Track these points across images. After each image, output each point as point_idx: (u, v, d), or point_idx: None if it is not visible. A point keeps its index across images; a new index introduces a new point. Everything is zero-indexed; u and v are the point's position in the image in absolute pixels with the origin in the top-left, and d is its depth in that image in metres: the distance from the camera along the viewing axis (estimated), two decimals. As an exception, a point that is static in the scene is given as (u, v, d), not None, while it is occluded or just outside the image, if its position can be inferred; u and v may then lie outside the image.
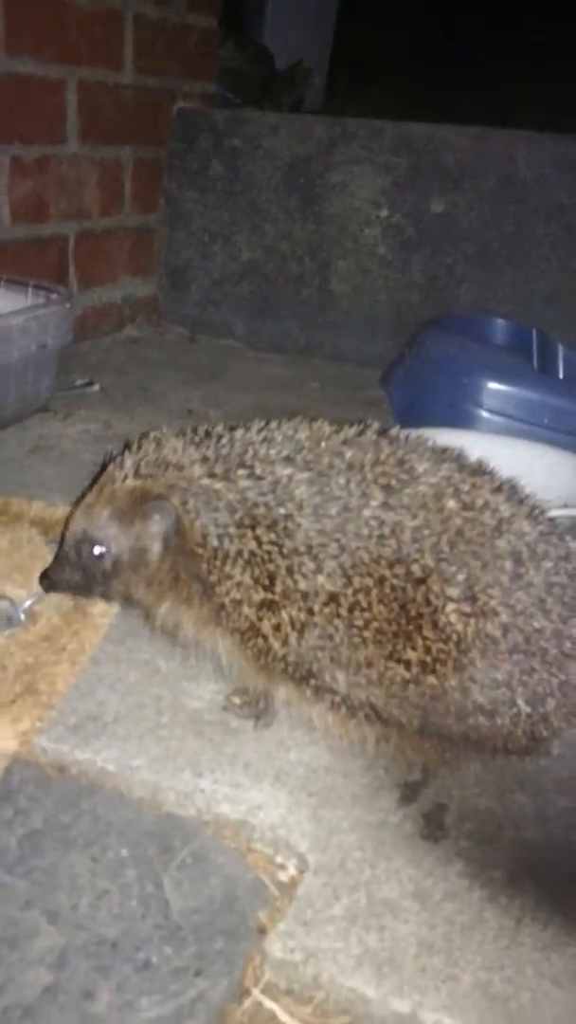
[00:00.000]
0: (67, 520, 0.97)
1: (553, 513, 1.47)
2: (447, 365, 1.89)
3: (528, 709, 0.88)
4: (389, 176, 2.26)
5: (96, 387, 1.98)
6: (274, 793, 0.87)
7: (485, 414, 1.84)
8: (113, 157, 2.34)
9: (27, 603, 1.08)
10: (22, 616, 1.06)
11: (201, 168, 2.45)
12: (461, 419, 1.82)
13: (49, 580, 0.97)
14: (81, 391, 1.95)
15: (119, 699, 0.99)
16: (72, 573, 0.95)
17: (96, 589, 0.95)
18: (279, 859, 0.82)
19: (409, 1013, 0.68)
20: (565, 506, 1.50)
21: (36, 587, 1.08)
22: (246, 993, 0.71)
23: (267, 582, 0.85)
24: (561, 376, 2.10)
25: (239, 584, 0.86)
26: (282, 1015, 0.70)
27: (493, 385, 1.84)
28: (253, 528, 0.86)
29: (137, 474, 0.92)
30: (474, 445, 1.66)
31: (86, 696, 0.98)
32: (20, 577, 1.10)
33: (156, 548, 0.90)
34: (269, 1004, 0.70)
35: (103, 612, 1.09)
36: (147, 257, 2.54)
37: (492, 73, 5.07)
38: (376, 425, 0.99)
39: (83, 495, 0.97)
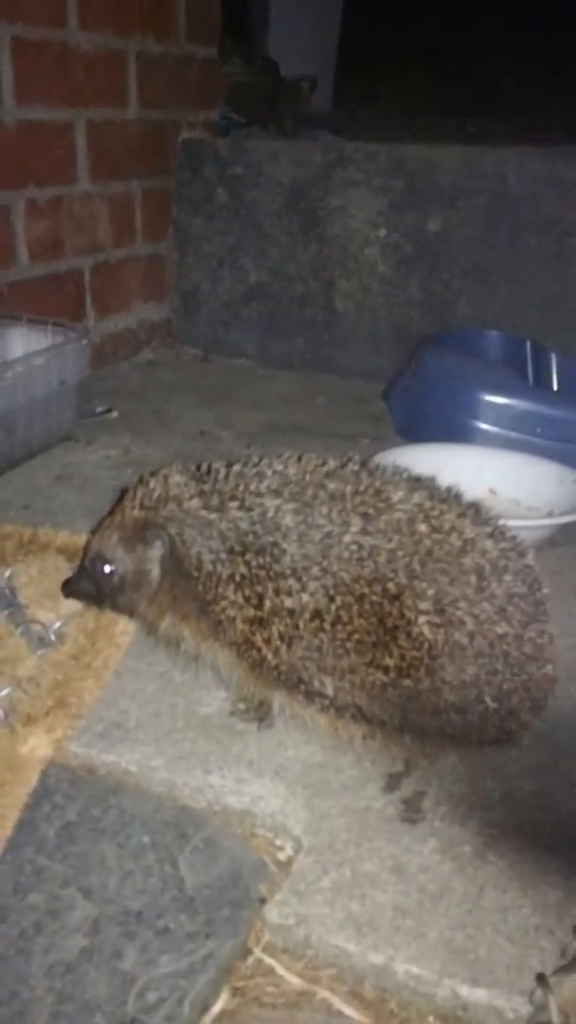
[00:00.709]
0: (88, 539, 1.12)
1: (538, 522, 1.60)
2: (443, 380, 2.01)
3: (495, 705, 1.00)
4: (386, 197, 2.38)
5: (115, 413, 2.12)
6: (274, 786, 1.00)
7: (481, 426, 1.95)
8: (123, 191, 2.48)
9: (56, 625, 1.22)
10: (52, 637, 1.21)
11: (207, 196, 2.58)
12: (458, 431, 1.94)
13: (69, 588, 1.12)
14: (101, 418, 2.10)
15: (139, 708, 1.12)
16: (88, 585, 1.09)
17: (106, 601, 1.09)
18: (278, 842, 0.95)
19: (383, 964, 0.81)
20: (551, 513, 1.62)
21: (64, 611, 1.23)
22: (249, 952, 0.85)
23: (256, 601, 0.98)
24: (556, 385, 2.21)
25: (232, 603, 0.99)
26: (280, 969, 0.83)
27: (488, 398, 1.95)
28: (243, 554, 0.99)
29: (142, 507, 1.06)
30: (467, 457, 1.80)
31: (110, 706, 1.12)
32: (49, 603, 1.24)
33: (155, 571, 1.04)
34: (268, 960, 0.84)
35: (123, 632, 1.22)
36: (159, 283, 2.68)
37: (496, 68, 5.15)
38: (357, 458, 1.11)
39: (102, 520, 1.12)
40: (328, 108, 4.59)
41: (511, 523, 1.49)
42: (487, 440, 1.92)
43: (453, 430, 1.93)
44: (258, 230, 2.54)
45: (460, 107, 4.46)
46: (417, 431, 2.00)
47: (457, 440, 1.89)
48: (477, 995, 0.79)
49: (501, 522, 1.08)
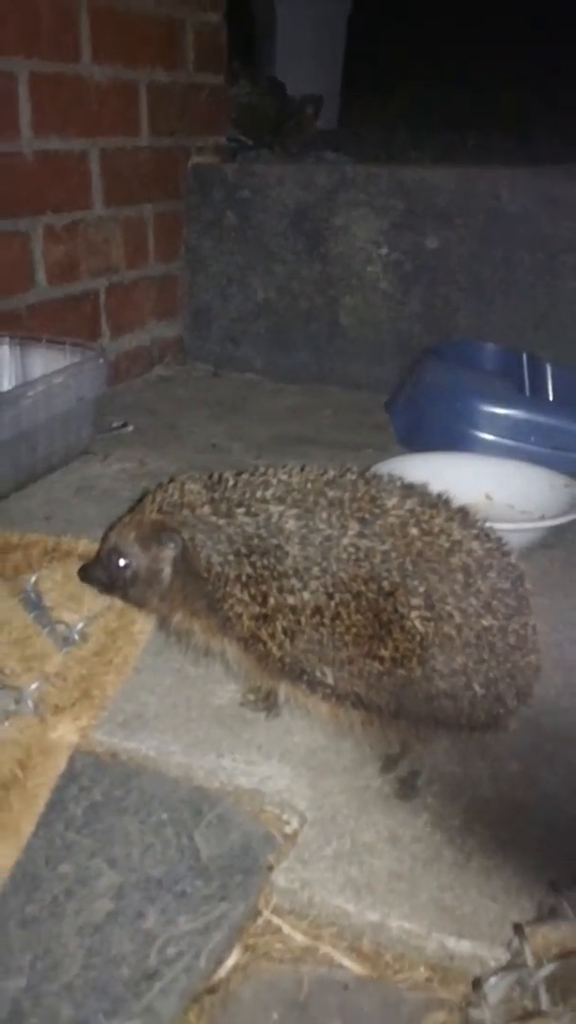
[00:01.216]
0: (106, 532, 1.22)
1: (530, 525, 1.69)
2: (441, 392, 2.11)
3: (483, 691, 1.09)
4: (387, 217, 2.48)
5: (130, 428, 2.23)
6: (280, 767, 1.10)
7: (478, 435, 2.04)
8: (136, 215, 2.59)
9: (79, 626, 1.32)
10: (76, 636, 1.30)
11: (216, 218, 2.69)
12: (457, 440, 2.02)
13: (85, 573, 1.22)
14: (117, 432, 2.20)
15: (157, 700, 1.22)
16: (102, 574, 1.19)
17: (118, 591, 1.19)
18: (284, 817, 1.04)
19: (379, 921, 0.90)
20: (543, 517, 1.71)
21: (86, 613, 1.33)
22: (259, 913, 0.94)
23: (261, 599, 1.08)
24: (551, 394, 2.30)
25: (239, 600, 1.09)
26: (286, 928, 0.93)
27: (485, 408, 2.04)
28: (249, 556, 1.09)
29: (160, 511, 1.16)
30: (464, 465, 1.89)
31: (131, 699, 1.22)
32: (73, 605, 1.34)
33: (167, 570, 1.14)
34: (276, 920, 0.93)
35: (142, 631, 1.32)
36: (171, 302, 2.79)
37: (498, 82, 5.25)
38: (355, 468, 1.21)
39: (122, 517, 1.22)
40: (334, 126, 4.71)
41: (505, 527, 1.60)
42: (485, 448, 2.00)
43: (452, 439, 2.02)
44: (265, 250, 2.65)
45: (463, 121, 4.57)
46: (418, 440, 2.10)
47: (456, 448, 1.98)
48: (463, 946, 0.88)
49: (487, 525, 1.17)
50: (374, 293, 2.55)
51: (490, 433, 2.03)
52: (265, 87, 3.89)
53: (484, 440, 2.03)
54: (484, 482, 1.82)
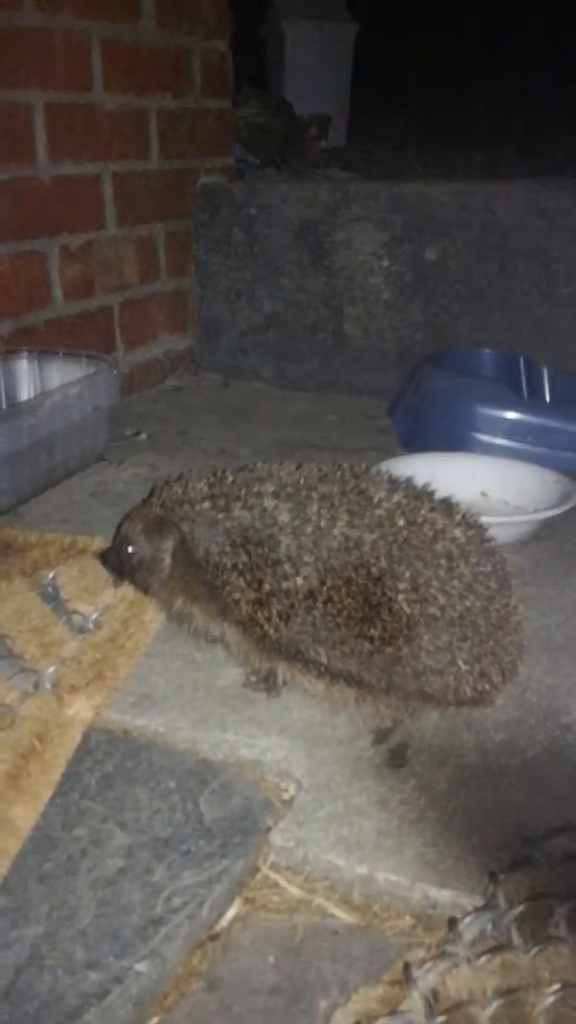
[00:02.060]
0: (121, 522, 1.31)
1: (522, 518, 1.77)
2: (442, 396, 2.19)
3: (467, 668, 1.17)
4: (387, 231, 2.57)
5: (143, 436, 2.33)
6: (279, 740, 1.18)
7: (477, 436, 2.12)
8: (147, 234, 2.70)
9: (94, 615, 1.41)
10: (91, 625, 1.40)
11: (224, 235, 2.80)
12: (456, 442, 2.11)
13: (103, 557, 1.33)
14: (131, 440, 2.30)
15: (166, 682, 1.31)
16: (115, 559, 1.30)
17: (126, 576, 1.30)
18: (282, 784, 1.12)
19: (368, 874, 0.98)
20: (535, 512, 1.78)
21: (100, 604, 1.43)
22: (257, 869, 1.02)
23: (257, 585, 1.16)
24: (548, 397, 2.38)
25: (237, 587, 1.17)
26: (283, 882, 1.01)
27: (482, 410, 2.13)
28: (244, 546, 1.17)
29: (163, 506, 1.26)
30: (461, 464, 1.98)
31: (141, 681, 1.31)
32: (88, 597, 1.43)
33: (167, 560, 1.23)
34: (273, 876, 1.02)
35: (152, 619, 1.41)
36: (182, 316, 2.90)
37: (503, 99, 5.35)
38: (347, 465, 1.29)
39: (136, 507, 1.31)
40: (343, 143, 4.82)
41: (500, 520, 1.69)
42: (483, 449, 2.08)
43: (452, 441, 2.10)
44: (271, 265, 2.75)
45: (469, 137, 4.67)
46: (419, 443, 2.18)
47: (456, 450, 2.06)
48: (444, 895, 0.95)
49: (469, 514, 1.25)
50: (376, 304, 2.64)
51: (488, 434, 2.11)
52: (274, 108, 3.99)
53: (482, 441, 2.11)
54: (480, 480, 1.90)
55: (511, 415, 2.10)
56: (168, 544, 1.23)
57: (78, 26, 2.33)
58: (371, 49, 5.16)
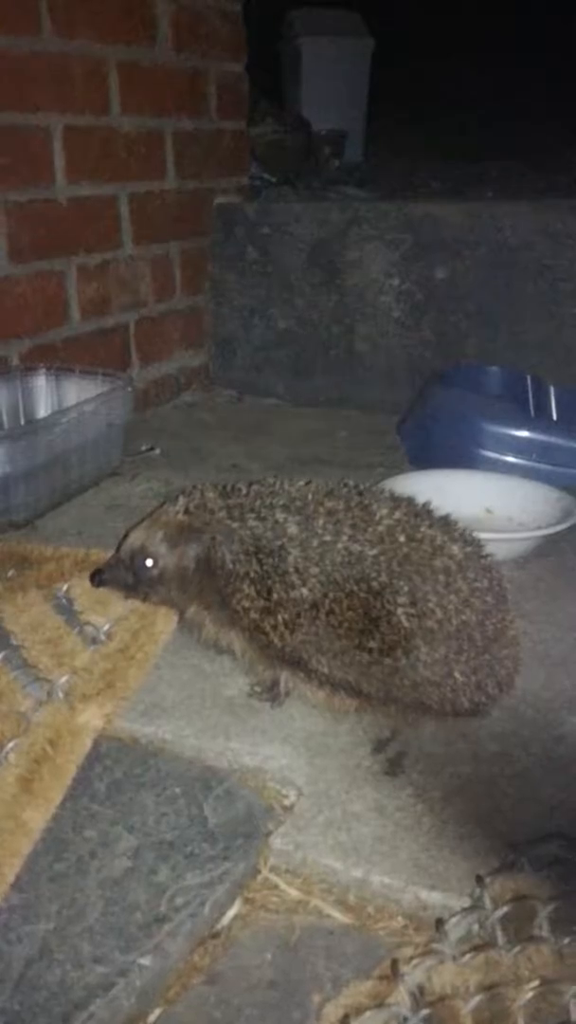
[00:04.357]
0: (124, 536, 1.34)
1: (527, 534, 1.81)
2: (447, 413, 2.23)
3: (463, 679, 1.21)
4: (397, 251, 2.62)
5: (157, 451, 2.38)
6: (282, 749, 1.23)
7: (483, 453, 2.16)
8: (163, 253, 2.76)
9: (106, 627, 1.46)
10: (103, 636, 1.45)
11: (238, 254, 2.86)
12: (463, 459, 2.15)
13: (100, 578, 1.33)
14: (145, 455, 2.36)
15: (175, 692, 1.36)
16: (125, 575, 1.31)
17: (141, 590, 1.32)
18: (284, 791, 1.17)
19: (363, 877, 1.03)
20: (538, 528, 1.82)
21: (112, 615, 1.48)
22: (258, 872, 1.07)
23: (266, 594, 1.21)
24: (555, 413, 2.42)
25: (246, 595, 1.22)
26: (282, 884, 1.05)
27: (489, 428, 2.17)
28: (256, 555, 1.22)
29: (186, 512, 1.30)
30: (466, 481, 2.02)
31: (151, 691, 1.36)
32: (101, 609, 1.48)
33: (191, 567, 1.27)
34: (273, 878, 1.06)
35: (162, 631, 1.46)
36: (197, 332, 2.96)
37: (519, 114, 5.40)
38: (352, 482, 1.34)
39: (140, 520, 1.35)
40: (359, 159, 4.88)
41: (503, 536, 1.73)
42: (489, 466, 2.12)
43: (459, 457, 2.14)
44: (285, 283, 2.81)
45: (485, 152, 4.72)
46: (427, 459, 2.22)
47: (463, 466, 2.10)
48: (434, 897, 1.00)
49: (467, 531, 1.30)
50: (387, 321, 2.69)
51: (494, 451, 2.15)
52: (290, 125, 4.05)
53: (489, 458, 2.15)
54: (485, 497, 1.94)
55: (516, 432, 2.14)
56: (193, 551, 1.26)
57: (96, 50, 2.41)
58: (388, 64, 5.22)
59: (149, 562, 1.29)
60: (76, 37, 2.34)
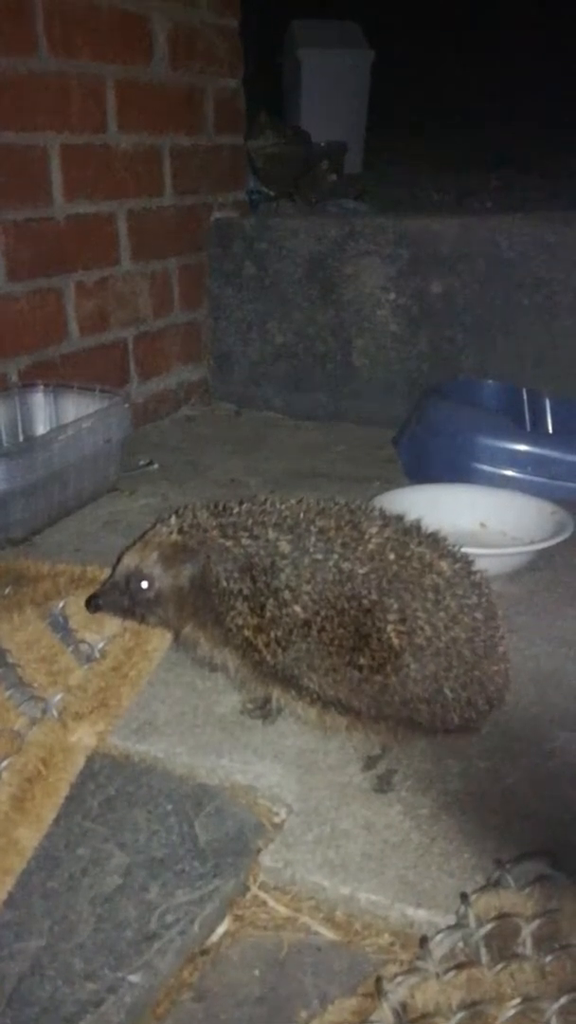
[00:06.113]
0: (118, 559, 1.35)
1: (518, 549, 1.82)
2: (443, 427, 2.25)
3: (453, 696, 1.22)
4: (394, 265, 2.64)
5: (155, 466, 2.40)
6: (273, 766, 1.24)
7: (478, 466, 2.18)
8: (161, 268, 2.79)
9: (100, 644, 1.47)
10: (97, 654, 1.46)
11: (236, 269, 2.88)
12: (459, 472, 2.16)
13: (96, 603, 1.33)
14: (143, 470, 2.38)
15: (167, 709, 1.37)
16: (120, 598, 1.31)
17: (138, 612, 1.32)
18: (274, 808, 1.18)
19: (350, 894, 1.04)
20: (532, 542, 1.83)
21: (106, 633, 1.49)
22: (247, 889, 1.08)
23: (259, 611, 1.22)
24: (550, 426, 2.43)
25: (240, 613, 1.23)
26: (271, 901, 1.07)
27: (484, 441, 2.18)
28: (250, 572, 1.24)
29: (180, 532, 1.31)
30: (461, 495, 2.03)
31: (144, 708, 1.37)
32: (95, 626, 1.50)
33: (187, 586, 1.28)
34: (262, 895, 1.07)
35: (156, 649, 1.47)
36: (196, 347, 2.98)
37: (524, 122, 5.42)
38: (343, 501, 1.35)
39: (133, 543, 1.36)
40: (359, 170, 4.91)
41: (494, 552, 1.74)
42: (486, 479, 2.14)
43: (455, 471, 2.15)
44: (282, 297, 2.82)
45: (485, 163, 4.74)
46: (424, 473, 2.24)
47: (459, 479, 2.12)
48: (420, 914, 1.01)
49: (456, 547, 1.31)
50: (384, 335, 2.70)
51: (490, 464, 2.17)
52: (289, 137, 4.07)
53: (484, 471, 2.16)
54: (479, 511, 1.96)
55: (512, 446, 2.16)
56: (188, 570, 1.27)
57: (93, 68, 2.43)
58: (388, 75, 5.24)
59: (145, 584, 1.30)
60: (74, 56, 2.36)
